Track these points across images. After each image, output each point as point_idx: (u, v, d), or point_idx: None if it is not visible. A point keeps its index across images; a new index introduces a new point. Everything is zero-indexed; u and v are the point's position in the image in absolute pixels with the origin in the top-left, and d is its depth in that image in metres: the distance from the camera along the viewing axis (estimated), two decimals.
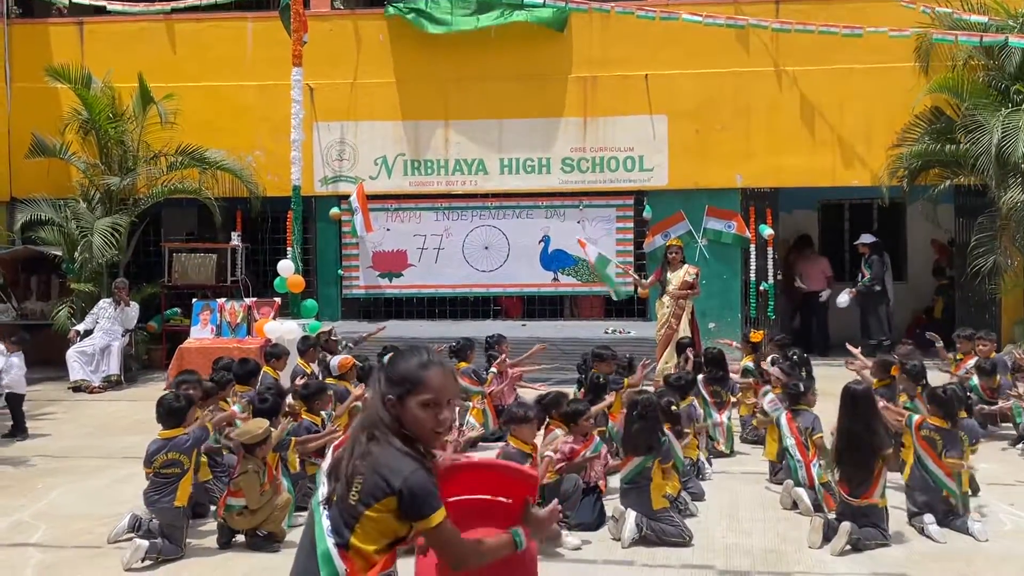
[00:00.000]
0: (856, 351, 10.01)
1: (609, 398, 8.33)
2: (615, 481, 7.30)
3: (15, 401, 10.45)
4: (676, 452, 7.02)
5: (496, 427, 9.76)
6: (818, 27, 13.29)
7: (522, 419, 6.72)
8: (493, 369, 9.90)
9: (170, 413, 6.83)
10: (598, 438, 7.36)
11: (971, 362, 10.35)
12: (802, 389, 7.72)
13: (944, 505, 6.85)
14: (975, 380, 9.76)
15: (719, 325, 14.47)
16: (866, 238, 15.02)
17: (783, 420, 7.65)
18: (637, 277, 13.19)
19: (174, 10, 15.02)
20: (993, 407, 9.66)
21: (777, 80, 14.68)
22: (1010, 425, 9.74)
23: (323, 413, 8.04)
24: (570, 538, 6.59)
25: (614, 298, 13.74)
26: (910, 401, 8.41)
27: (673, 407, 7.41)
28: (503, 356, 10.13)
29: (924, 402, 8.11)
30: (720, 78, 14.68)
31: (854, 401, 6.66)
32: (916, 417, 7.19)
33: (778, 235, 15.08)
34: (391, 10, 14.92)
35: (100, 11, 15.15)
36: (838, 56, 14.17)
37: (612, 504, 7.05)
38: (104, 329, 13.53)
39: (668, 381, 8.81)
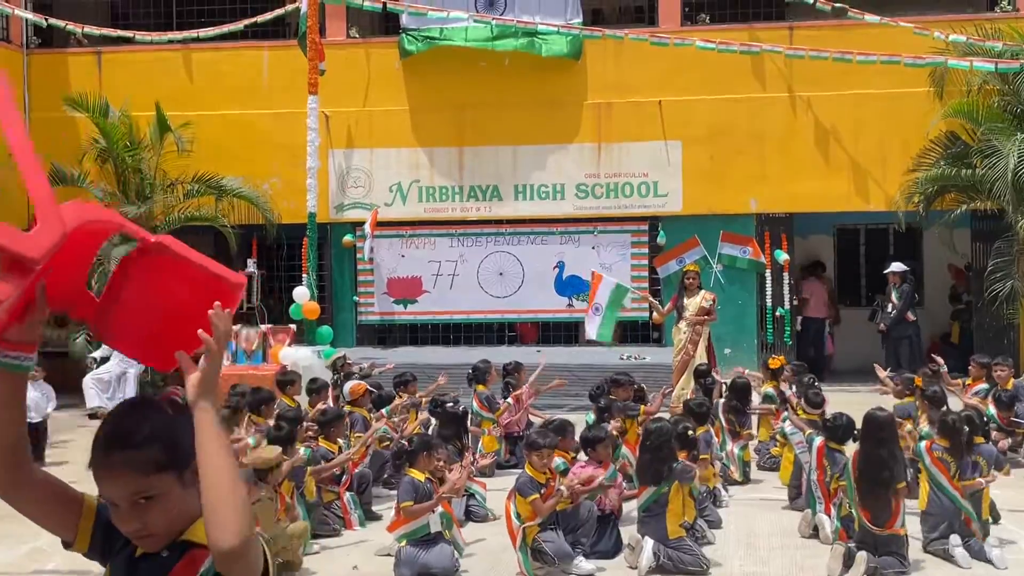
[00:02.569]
0: (884, 374, 9.96)
1: (615, 423, 8.28)
2: (631, 508, 7.27)
3: (36, 429, 10.47)
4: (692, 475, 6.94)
5: (507, 455, 9.74)
6: (832, 53, 13.27)
7: (537, 446, 6.69)
8: (509, 400, 9.87)
9: None
10: (613, 466, 7.34)
11: (978, 387, 10.30)
12: (843, 428, 7.45)
13: (963, 530, 6.78)
14: (992, 409, 9.69)
15: (735, 351, 14.41)
16: (896, 266, 14.68)
17: (815, 451, 7.46)
18: (655, 302, 13.09)
19: (185, 40, 15.15)
20: (1010, 439, 9.56)
21: (791, 105, 14.70)
22: None
23: (339, 440, 8.04)
24: (586, 565, 6.56)
25: (595, 338, 12.43)
26: (930, 427, 8.30)
27: (690, 432, 7.35)
28: (523, 388, 10.08)
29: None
30: (734, 104, 14.70)
31: (877, 428, 6.60)
32: (924, 443, 7.14)
33: (794, 261, 15.04)
34: (407, 45, 14.96)
35: (118, 41, 15.31)
36: (852, 81, 14.17)
37: (628, 532, 7.01)
38: (120, 356, 13.56)
39: (689, 406, 8.75)
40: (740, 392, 9.65)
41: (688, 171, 14.82)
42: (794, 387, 9.97)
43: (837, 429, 7.41)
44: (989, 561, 6.62)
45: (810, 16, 14.55)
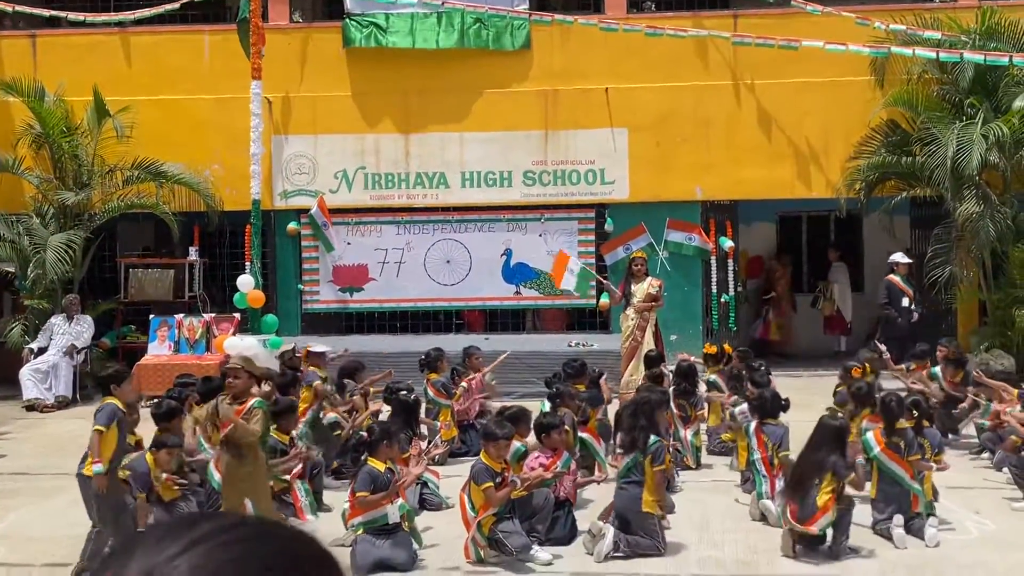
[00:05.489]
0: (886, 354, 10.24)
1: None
2: (586, 495, 7.30)
3: None
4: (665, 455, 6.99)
5: (458, 443, 9.69)
6: (779, 41, 13.38)
7: (494, 437, 6.67)
8: (463, 384, 9.82)
9: None
10: (567, 453, 7.34)
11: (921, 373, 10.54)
12: (769, 401, 7.74)
13: (909, 511, 6.93)
14: (937, 369, 10.00)
15: (681, 337, 14.48)
16: (900, 257, 13.62)
17: (751, 431, 7.66)
18: (614, 289, 12.66)
19: (121, 23, 14.81)
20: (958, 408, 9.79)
21: (736, 93, 14.78)
22: (972, 434, 9.87)
23: (293, 432, 7.96)
24: (542, 553, 6.55)
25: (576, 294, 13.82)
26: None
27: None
28: (476, 375, 10.03)
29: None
30: (680, 91, 14.75)
31: (826, 435, 6.68)
32: (871, 433, 7.24)
33: (738, 247, 15.17)
34: (352, 32, 14.80)
35: (53, 22, 14.91)
36: (796, 69, 14.28)
37: (585, 516, 7.03)
38: (58, 346, 13.28)
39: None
40: (686, 375, 9.71)
41: (634, 158, 14.84)
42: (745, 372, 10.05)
43: (764, 403, 7.74)
44: (922, 538, 6.77)
45: (754, 4, 14.65)
